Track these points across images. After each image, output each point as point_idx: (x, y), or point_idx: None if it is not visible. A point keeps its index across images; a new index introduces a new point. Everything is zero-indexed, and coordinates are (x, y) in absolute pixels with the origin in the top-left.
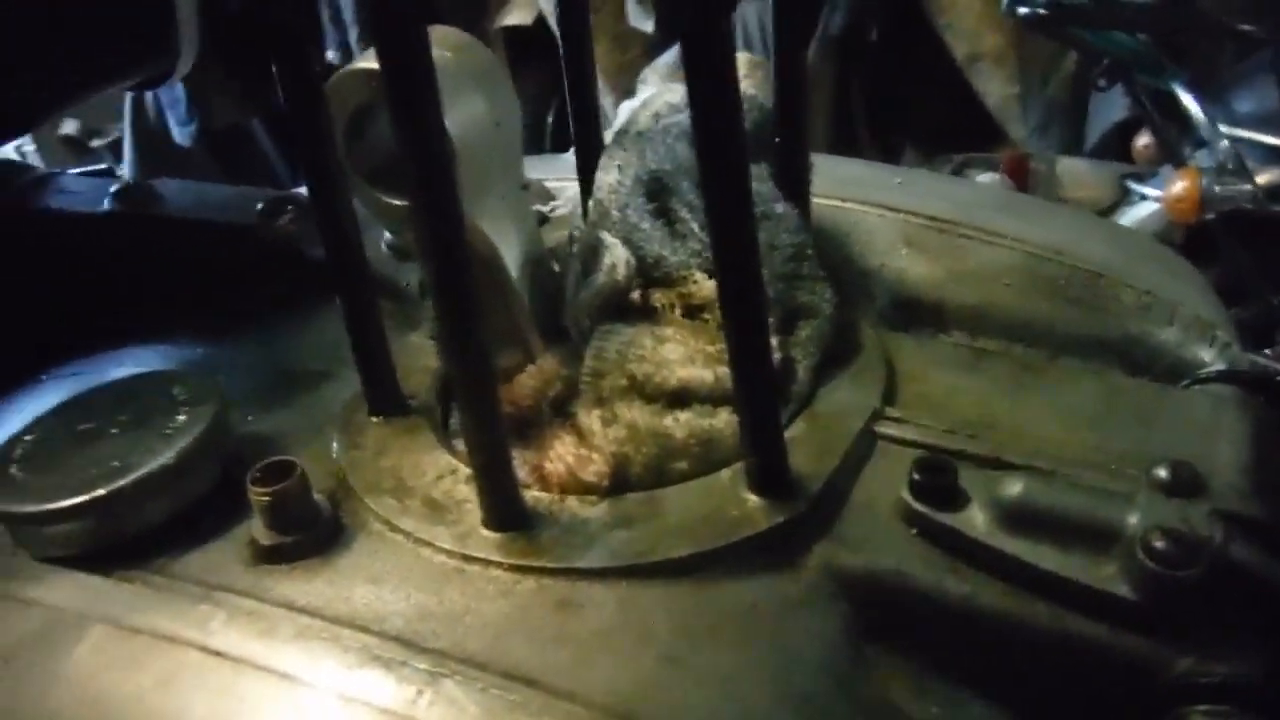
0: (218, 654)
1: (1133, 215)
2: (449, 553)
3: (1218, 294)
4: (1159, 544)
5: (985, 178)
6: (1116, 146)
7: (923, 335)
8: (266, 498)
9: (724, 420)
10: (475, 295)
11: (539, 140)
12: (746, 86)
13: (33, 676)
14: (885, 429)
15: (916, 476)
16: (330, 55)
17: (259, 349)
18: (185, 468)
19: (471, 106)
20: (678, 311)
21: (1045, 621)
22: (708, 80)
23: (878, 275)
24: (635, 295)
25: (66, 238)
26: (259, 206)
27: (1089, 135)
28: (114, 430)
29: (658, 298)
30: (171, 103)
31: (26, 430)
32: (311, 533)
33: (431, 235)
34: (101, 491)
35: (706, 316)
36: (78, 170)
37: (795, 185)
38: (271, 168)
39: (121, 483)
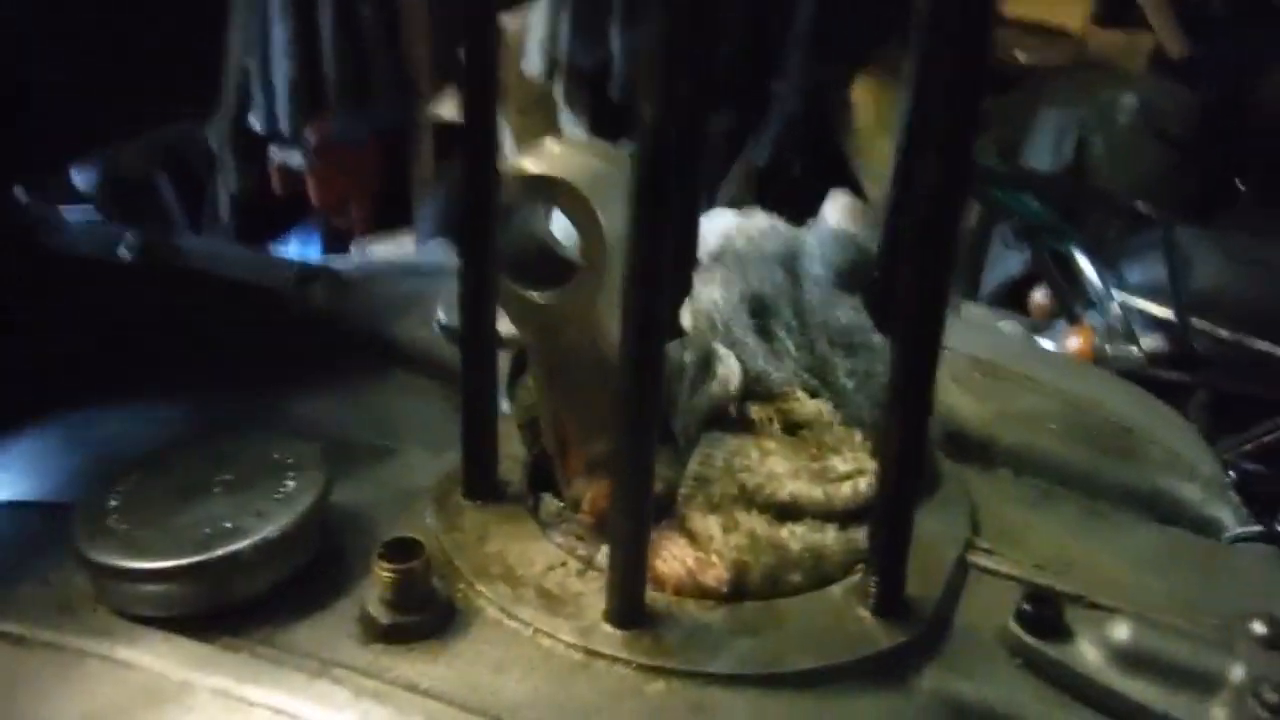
0: None
1: None
2: (573, 646)
3: None
4: (1270, 696)
5: (1007, 324)
6: (1009, 299)
7: (972, 468)
8: (392, 575)
9: (832, 537)
10: (660, 399)
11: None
12: (847, 224)
13: None
14: (978, 559)
15: (1026, 607)
16: (255, 125)
17: (308, 420)
18: (299, 535)
19: (623, 216)
20: (776, 426)
21: None
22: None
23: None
24: (731, 408)
25: (86, 284)
26: (290, 274)
27: (984, 285)
28: (216, 490)
29: (755, 411)
30: None
31: (118, 481)
32: (429, 614)
33: (639, 340)
34: (219, 553)
35: (805, 434)
36: None
37: (886, 319)
38: (171, 219)
39: (238, 545)
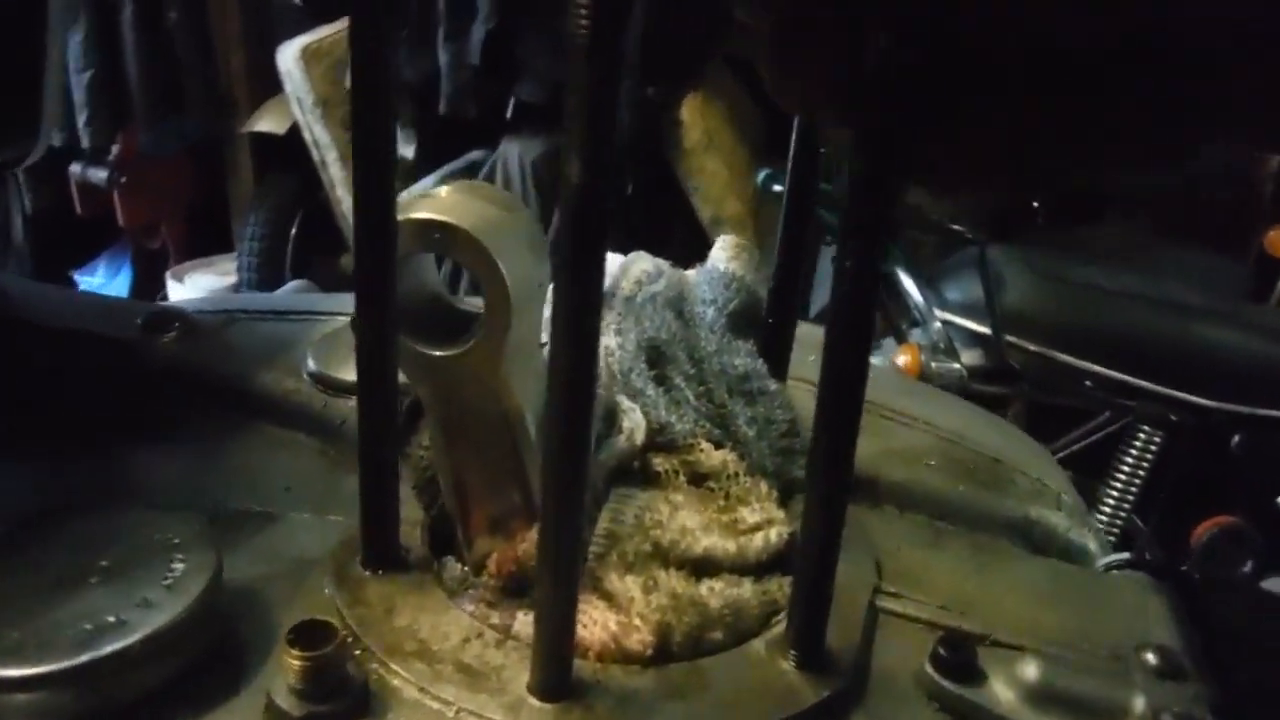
0: None
1: None
2: None
3: None
4: None
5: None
6: None
7: (860, 505)
8: (304, 663)
9: (749, 590)
10: (588, 464)
11: (282, 248)
12: (735, 267)
13: None
14: (886, 604)
15: (940, 651)
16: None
17: (172, 488)
18: (193, 624)
19: (524, 264)
20: (682, 478)
21: None
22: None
23: None
24: (635, 460)
25: None
26: (139, 320)
27: (814, 303)
28: (93, 579)
29: (660, 463)
30: None
31: None
32: (344, 701)
33: (566, 396)
34: (105, 651)
35: (712, 485)
36: None
37: (779, 364)
38: None
39: (127, 641)
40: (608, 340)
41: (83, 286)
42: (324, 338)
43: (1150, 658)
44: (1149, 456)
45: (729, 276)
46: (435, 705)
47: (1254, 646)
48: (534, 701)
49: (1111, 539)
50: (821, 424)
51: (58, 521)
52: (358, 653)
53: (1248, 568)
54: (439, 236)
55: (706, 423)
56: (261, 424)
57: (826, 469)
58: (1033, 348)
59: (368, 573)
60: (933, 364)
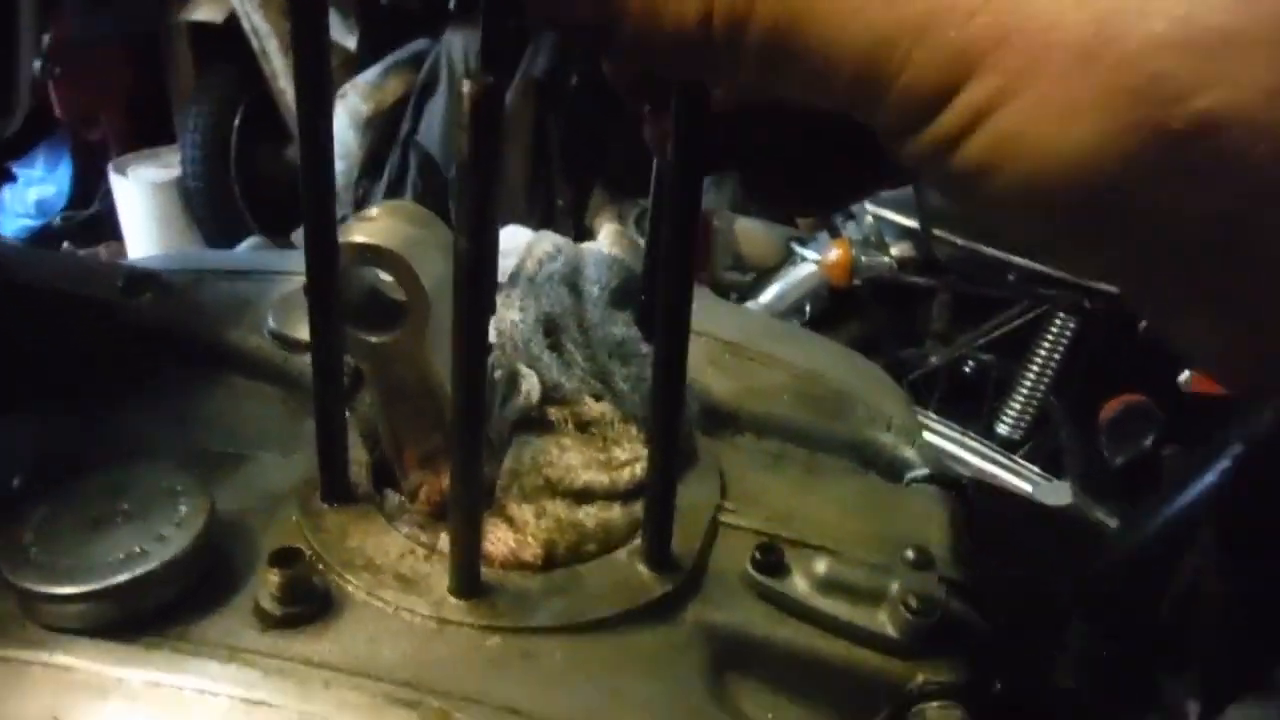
0: (262, 704)
1: (795, 275)
2: (427, 617)
3: (861, 348)
4: (913, 602)
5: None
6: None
7: (724, 435)
8: (281, 578)
9: (618, 513)
10: (483, 406)
11: (226, 139)
12: (616, 252)
13: None
14: (724, 518)
15: (757, 555)
16: None
17: (159, 433)
18: (197, 552)
19: (438, 269)
20: (570, 425)
21: (842, 653)
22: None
23: (691, 388)
24: (533, 412)
25: None
26: (119, 283)
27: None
28: (119, 519)
29: (553, 413)
30: None
31: (29, 514)
32: (312, 604)
33: (464, 387)
34: (134, 574)
35: (594, 430)
36: None
37: (651, 332)
38: None
39: (150, 567)
40: (512, 315)
41: (22, 179)
42: (281, 299)
43: (909, 554)
44: (1064, 340)
45: (610, 259)
46: (379, 604)
47: (1011, 544)
48: (452, 600)
49: (1029, 415)
50: (658, 373)
51: (87, 473)
52: (320, 567)
53: (1149, 441)
54: (370, 255)
55: (591, 380)
56: (231, 376)
57: (662, 395)
58: (959, 241)
59: (325, 505)
60: (863, 258)
